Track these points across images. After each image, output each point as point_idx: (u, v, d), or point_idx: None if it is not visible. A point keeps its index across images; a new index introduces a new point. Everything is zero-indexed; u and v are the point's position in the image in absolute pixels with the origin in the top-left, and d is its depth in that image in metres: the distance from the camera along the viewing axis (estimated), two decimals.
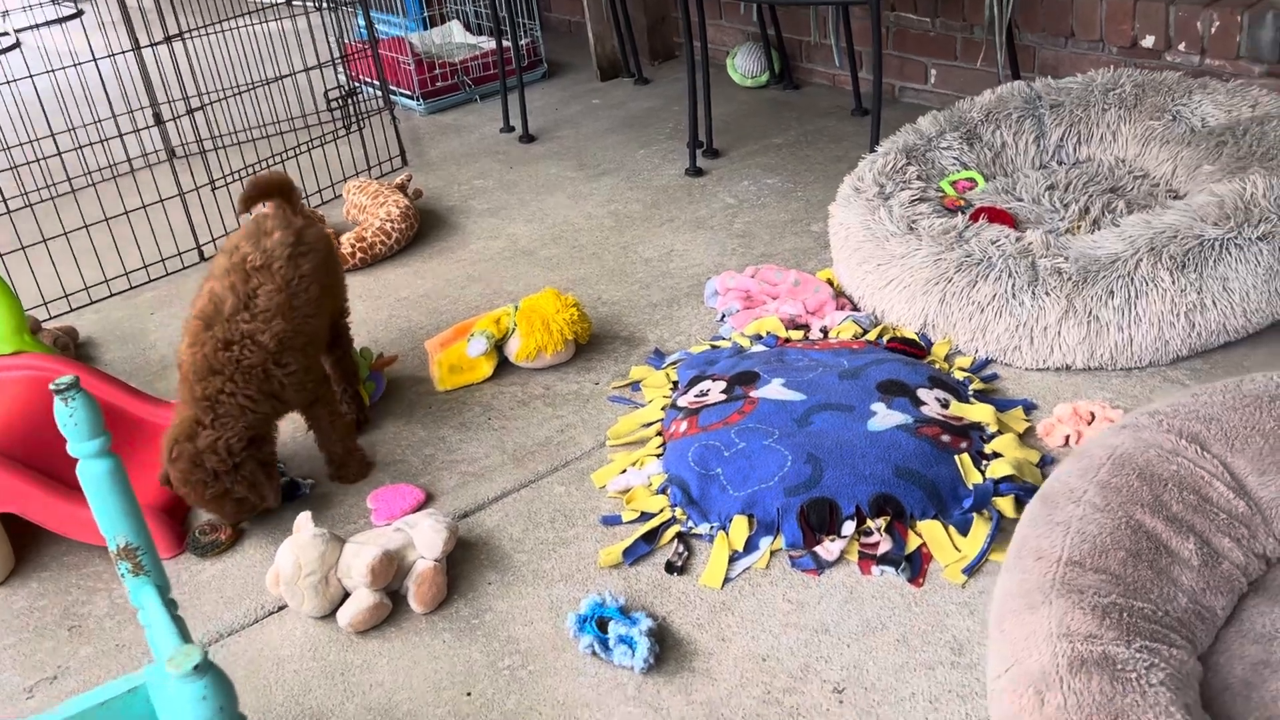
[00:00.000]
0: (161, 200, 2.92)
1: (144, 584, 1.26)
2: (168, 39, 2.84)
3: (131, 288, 2.85)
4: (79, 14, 5.65)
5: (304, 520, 1.69)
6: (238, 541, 1.86)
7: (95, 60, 2.83)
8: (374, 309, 2.59)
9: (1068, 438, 1.78)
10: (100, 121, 3.36)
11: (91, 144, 3.25)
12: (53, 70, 2.98)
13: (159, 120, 2.86)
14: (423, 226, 2.97)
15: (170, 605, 1.24)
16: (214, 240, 2.99)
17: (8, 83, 2.86)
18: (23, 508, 1.80)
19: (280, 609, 1.70)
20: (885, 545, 1.61)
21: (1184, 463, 1.29)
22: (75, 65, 3.01)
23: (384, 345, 2.40)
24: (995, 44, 2.86)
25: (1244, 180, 1.97)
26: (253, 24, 3.38)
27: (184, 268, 2.92)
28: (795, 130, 3.35)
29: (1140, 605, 1.17)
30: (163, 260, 2.91)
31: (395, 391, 2.24)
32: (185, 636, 1.19)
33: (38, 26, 5.68)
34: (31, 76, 2.93)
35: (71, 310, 2.76)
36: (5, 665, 1.66)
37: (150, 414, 2.08)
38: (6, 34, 5.52)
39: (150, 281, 2.88)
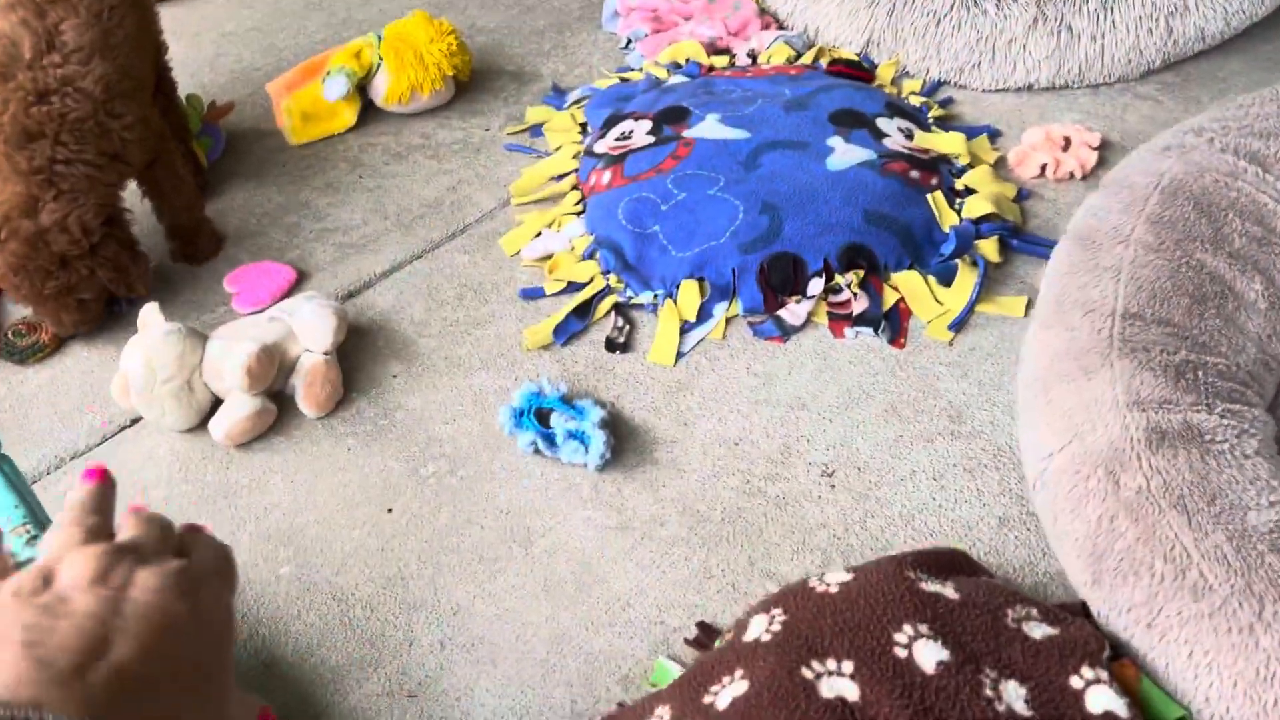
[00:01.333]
0: None
1: None
2: None
3: None
4: None
5: (151, 313, 1.35)
6: (65, 342, 1.50)
7: None
8: (193, 47, 2.12)
9: (1044, 167, 1.57)
10: None
11: None
12: None
13: None
14: None
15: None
16: None
17: None
18: None
19: (135, 421, 1.38)
20: (861, 304, 1.39)
21: (1244, 188, 1.09)
22: None
23: (214, 91, 1.97)
24: None
25: None
26: None
27: None
28: None
29: (1214, 361, 0.99)
30: None
31: (237, 148, 1.85)
32: (24, 496, 0.87)
33: None
34: None
35: None
36: None
37: None
38: None
39: None
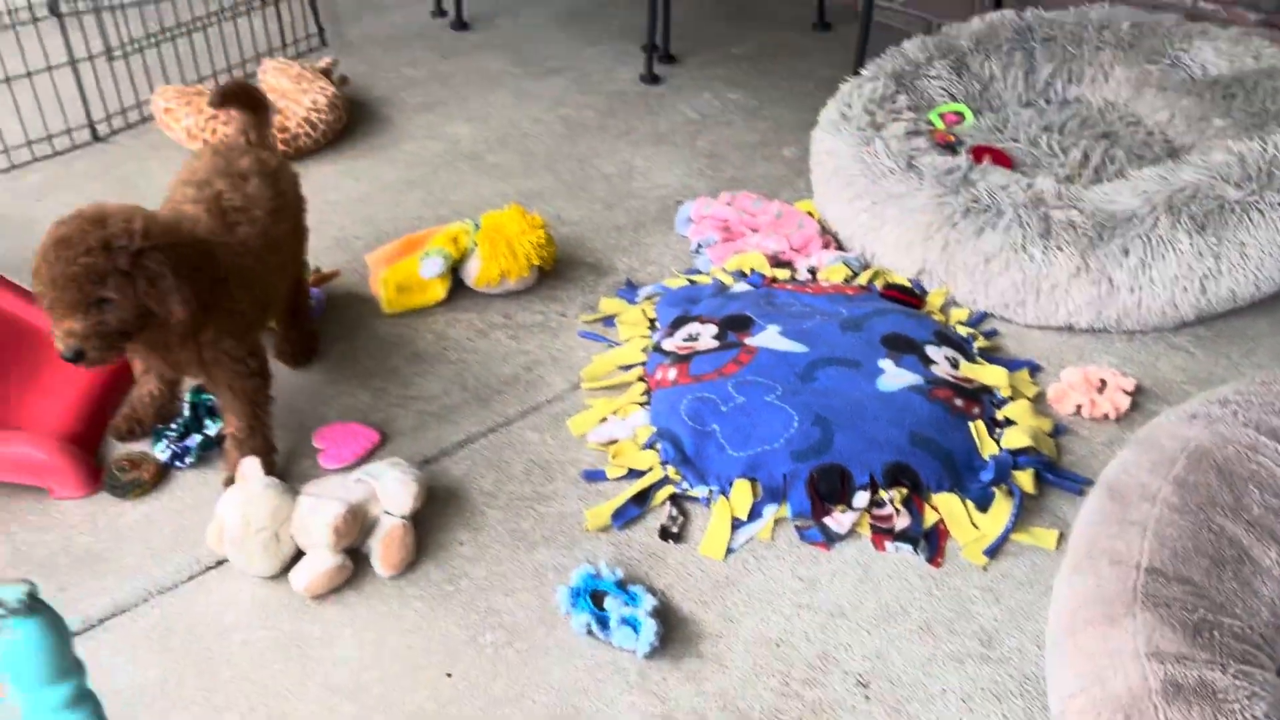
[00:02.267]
0: (50, 68, 2.54)
1: None
2: None
3: (14, 166, 2.49)
4: None
5: (252, 467, 1.47)
6: (162, 480, 1.63)
7: None
8: None
9: (1080, 406, 1.69)
10: None
11: None
12: None
13: None
14: (350, 119, 2.68)
15: None
16: (109, 117, 2.63)
17: None
18: None
19: (220, 564, 1.49)
20: (903, 521, 1.49)
21: (1264, 462, 1.19)
22: None
23: (315, 255, 2.14)
24: None
25: (1265, 139, 1.88)
26: None
27: (74, 146, 2.57)
28: (754, 41, 3.14)
29: (1229, 622, 1.08)
30: (49, 137, 2.55)
31: (333, 310, 2.00)
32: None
33: None
34: None
35: None
36: None
37: None
38: None
39: (35, 160, 2.52)
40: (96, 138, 2.60)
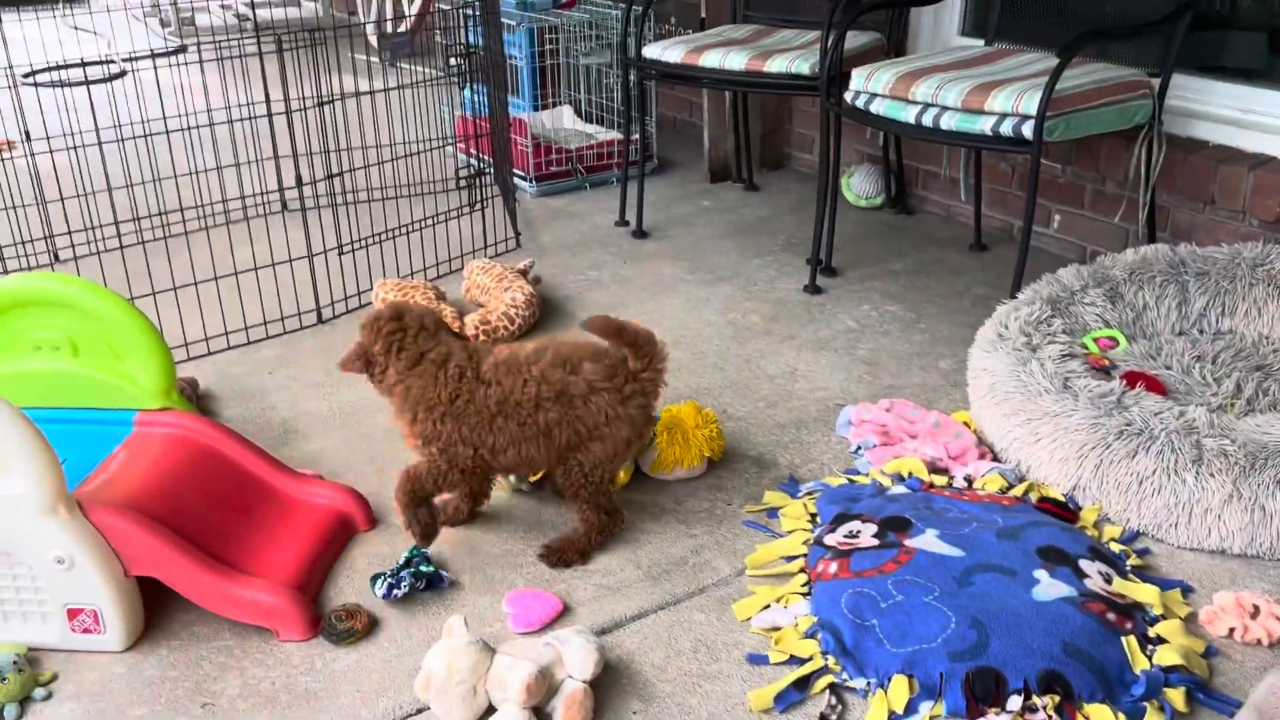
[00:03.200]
0: (290, 260, 2.94)
1: None
2: (320, 103, 2.88)
3: (250, 342, 2.86)
4: (183, 49, 5.78)
5: (458, 624, 1.66)
6: (372, 631, 1.83)
7: (233, 119, 2.88)
8: None
9: (1232, 630, 1.73)
10: (223, 168, 3.41)
11: (224, 201, 3.29)
12: (188, 125, 3.04)
13: (299, 183, 2.89)
14: (542, 315, 2.98)
15: None
16: (333, 303, 3.00)
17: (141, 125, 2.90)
18: (164, 573, 1.78)
19: (419, 711, 1.66)
20: None
21: None
22: (215, 123, 3.06)
23: None
24: (1139, 202, 2.87)
25: None
26: (382, 90, 3.43)
27: (301, 328, 2.93)
28: (912, 258, 3.36)
29: None
30: (282, 319, 2.92)
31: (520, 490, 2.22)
32: None
33: (151, 57, 5.82)
34: (167, 126, 2.98)
35: (189, 359, 2.77)
36: None
37: (289, 486, 2.06)
38: (113, 61, 5.65)
39: (268, 338, 2.88)
40: (321, 320, 2.96)
